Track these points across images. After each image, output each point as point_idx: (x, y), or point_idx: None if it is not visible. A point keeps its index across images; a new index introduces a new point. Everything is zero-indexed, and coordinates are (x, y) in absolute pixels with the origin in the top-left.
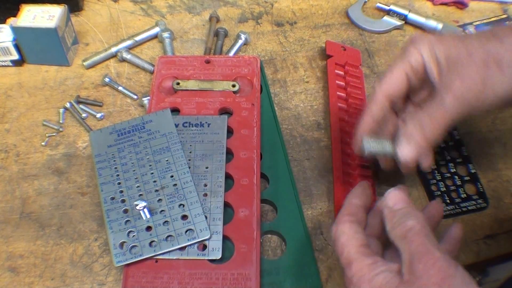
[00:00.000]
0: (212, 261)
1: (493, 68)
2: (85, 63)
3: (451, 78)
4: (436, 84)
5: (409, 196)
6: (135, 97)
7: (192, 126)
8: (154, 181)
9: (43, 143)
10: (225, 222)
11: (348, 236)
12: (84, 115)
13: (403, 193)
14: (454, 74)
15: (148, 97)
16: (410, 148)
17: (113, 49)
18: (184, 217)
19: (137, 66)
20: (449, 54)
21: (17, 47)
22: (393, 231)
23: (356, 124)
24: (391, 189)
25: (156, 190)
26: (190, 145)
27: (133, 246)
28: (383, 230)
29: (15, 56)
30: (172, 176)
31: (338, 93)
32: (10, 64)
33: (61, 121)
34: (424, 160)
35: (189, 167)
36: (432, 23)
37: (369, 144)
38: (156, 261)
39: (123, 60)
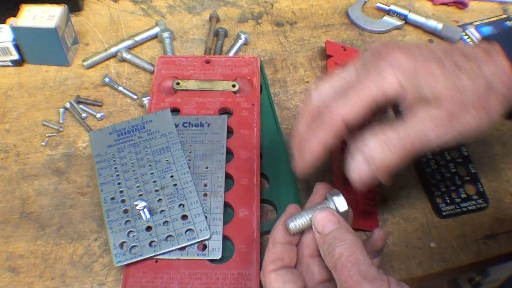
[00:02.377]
0: (212, 261)
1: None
2: (85, 63)
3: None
4: (410, 110)
5: (339, 214)
6: (135, 97)
7: (192, 126)
8: (154, 181)
9: (43, 143)
10: (225, 222)
11: None
12: (84, 115)
13: (330, 213)
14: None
15: (148, 97)
16: (365, 168)
17: (113, 49)
18: (184, 217)
19: (137, 66)
20: (437, 91)
21: (17, 47)
22: (325, 259)
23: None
24: (317, 211)
25: (156, 190)
26: (190, 145)
27: (133, 246)
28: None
29: (15, 56)
30: (172, 176)
31: None
32: (10, 64)
33: (61, 121)
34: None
35: (189, 167)
36: (432, 23)
37: (294, 224)
38: (156, 261)
39: (123, 60)
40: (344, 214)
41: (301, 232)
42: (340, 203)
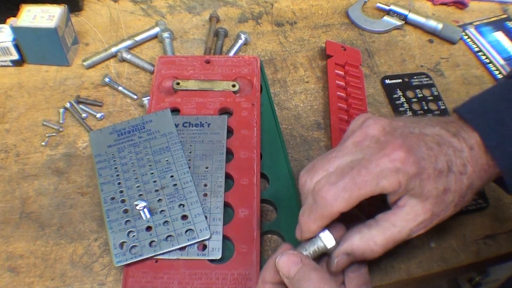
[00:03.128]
0: (212, 261)
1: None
2: (85, 63)
3: (417, 209)
4: (397, 198)
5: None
6: (135, 97)
7: (192, 126)
8: (154, 181)
9: (43, 143)
10: (225, 222)
11: None
12: (84, 115)
13: (291, 255)
14: (424, 209)
15: (148, 97)
16: (345, 258)
17: (113, 49)
18: (184, 217)
19: (137, 66)
20: (426, 191)
21: (17, 47)
22: None
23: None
24: (279, 256)
25: (156, 190)
26: (190, 145)
27: (133, 246)
28: None
29: (15, 56)
30: (172, 176)
31: (338, 93)
32: (10, 64)
33: (61, 121)
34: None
35: (189, 167)
36: (432, 23)
37: (306, 250)
38: (156, 261)
39: (123, 60)
40: (332, 249)
41: None
42: (327, 238)
